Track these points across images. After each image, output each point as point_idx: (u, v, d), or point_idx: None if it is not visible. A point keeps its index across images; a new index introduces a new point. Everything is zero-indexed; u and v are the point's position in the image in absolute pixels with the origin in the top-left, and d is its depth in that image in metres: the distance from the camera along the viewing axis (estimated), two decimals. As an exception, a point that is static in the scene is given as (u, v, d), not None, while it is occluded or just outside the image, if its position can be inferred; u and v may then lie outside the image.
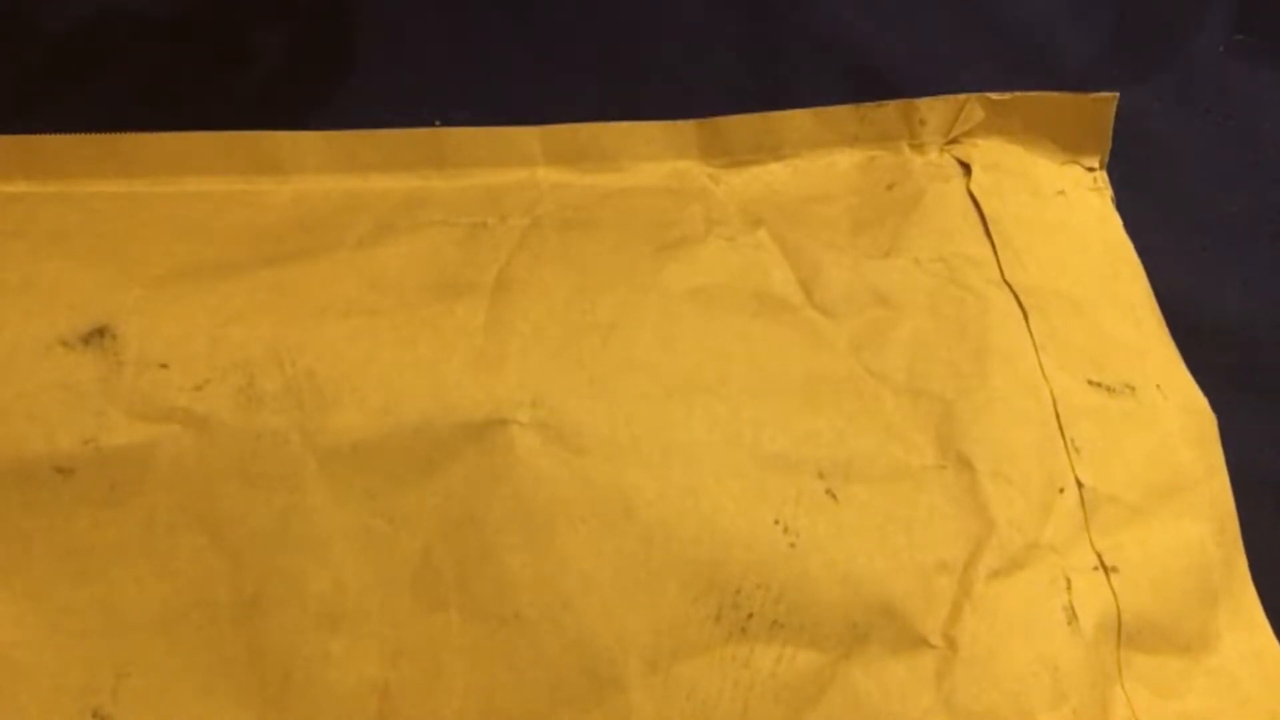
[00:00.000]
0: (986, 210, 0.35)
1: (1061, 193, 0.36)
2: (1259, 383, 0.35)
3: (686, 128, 0.35)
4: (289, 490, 0.27)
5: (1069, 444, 0.30)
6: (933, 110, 0.36)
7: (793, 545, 0.27)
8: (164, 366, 0.28)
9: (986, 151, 0.36)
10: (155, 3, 0.39)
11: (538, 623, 0.26)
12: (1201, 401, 0.32)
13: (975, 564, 0.28)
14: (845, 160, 0.36)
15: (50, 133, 0.32)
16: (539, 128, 0.35)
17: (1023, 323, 0.32)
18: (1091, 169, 0.37)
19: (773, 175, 0.36)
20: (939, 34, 0.41)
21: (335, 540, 0.27)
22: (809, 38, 0.41)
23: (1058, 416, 0.30)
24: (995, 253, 0.34)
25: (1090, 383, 0.31)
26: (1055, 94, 0.36)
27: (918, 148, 0.36)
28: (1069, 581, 0.28)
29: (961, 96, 0.36)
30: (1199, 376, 0.33)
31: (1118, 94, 0.36)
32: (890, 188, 0.35)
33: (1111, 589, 0.28)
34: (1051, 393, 0.31)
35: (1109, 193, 0.37)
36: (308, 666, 0.26)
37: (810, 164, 0.36)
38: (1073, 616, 0.27)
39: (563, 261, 0.32)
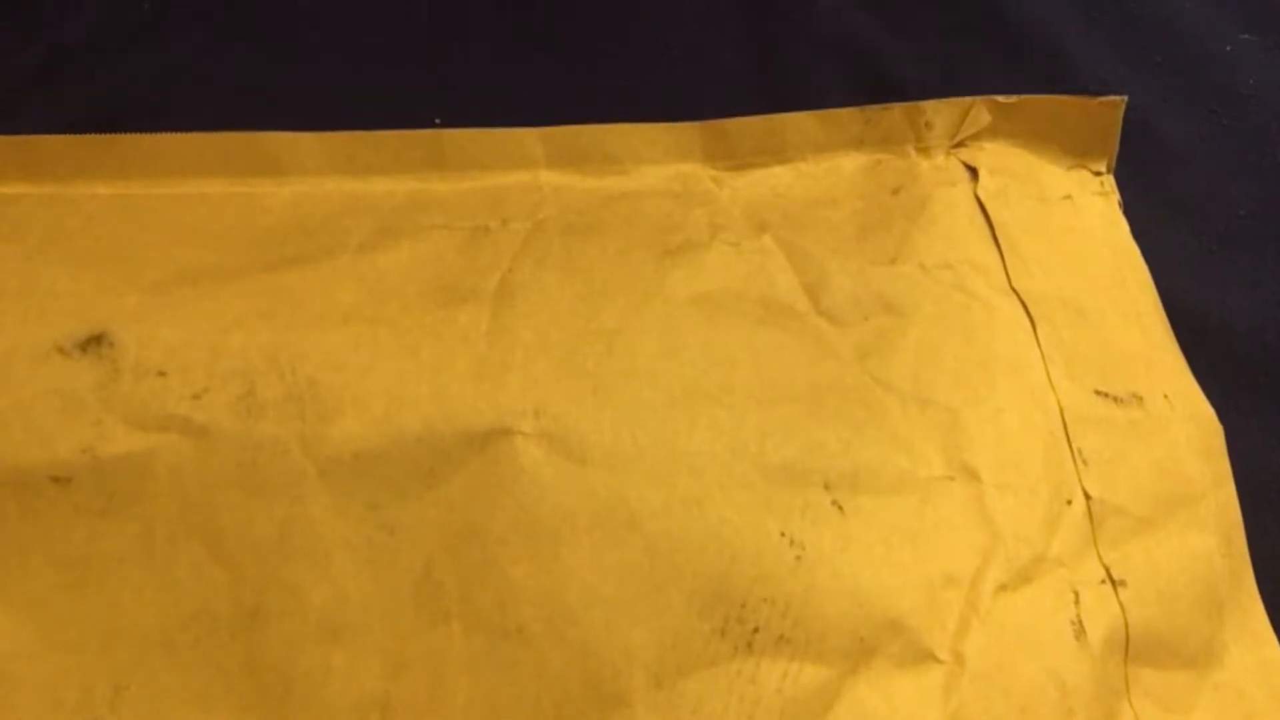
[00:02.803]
0: (993, 216, 0.34)
1: (1068, 197, 0.36)
2: (1266, 386, 0.34)
3: (690, 130, 0.35)
4: (289, 501, 0.27)
5: (1076, 455, 0.30)
6: (939, 113, 0.36)
7: (799, 558, 0.27)
8: (162, 374, 0.27)
9: (993, 155, 0.36)
10: (158, 3, 0.38)
11: (541, 636, 0.26)
12: (1208, 411, 0.32)
13: (982, 577, 0.27)
14: (850, 163, 0.36)
15: (47, 133, 0.32)
16: (541, 129, 0.34)
17: (1030, 331, 0.32)
18: (1098, 173, 0.37)
19: (777, 178, 0.35)
20: (944, 36, 0.41)
21: (336, 551, 0.26)
22: (813, 39, 0.40)
23: (1065, 427, 0.30)
24: (1002, 259, 0.33)
25: (1097, 393, 0.31)
26: (1063, 97, 0.36)
27: (924, 151, 0.36)
28: (1077, 595, 0.28)
29: (968, 99, 0.36)
30: (1205, 381, 0.33)
31: (1126, 98, 0.36)
32: (896, 192, 0.35)
33: (1119, 603, 0.28)
34: (1059, 403, 0.31)
35: (1116, 197, 0.36)
36: (308, 679, 0.26)
37: (815, 167, 0.36)
38: (1080, 631, 0.27)
39: (566, 267, 0.31)
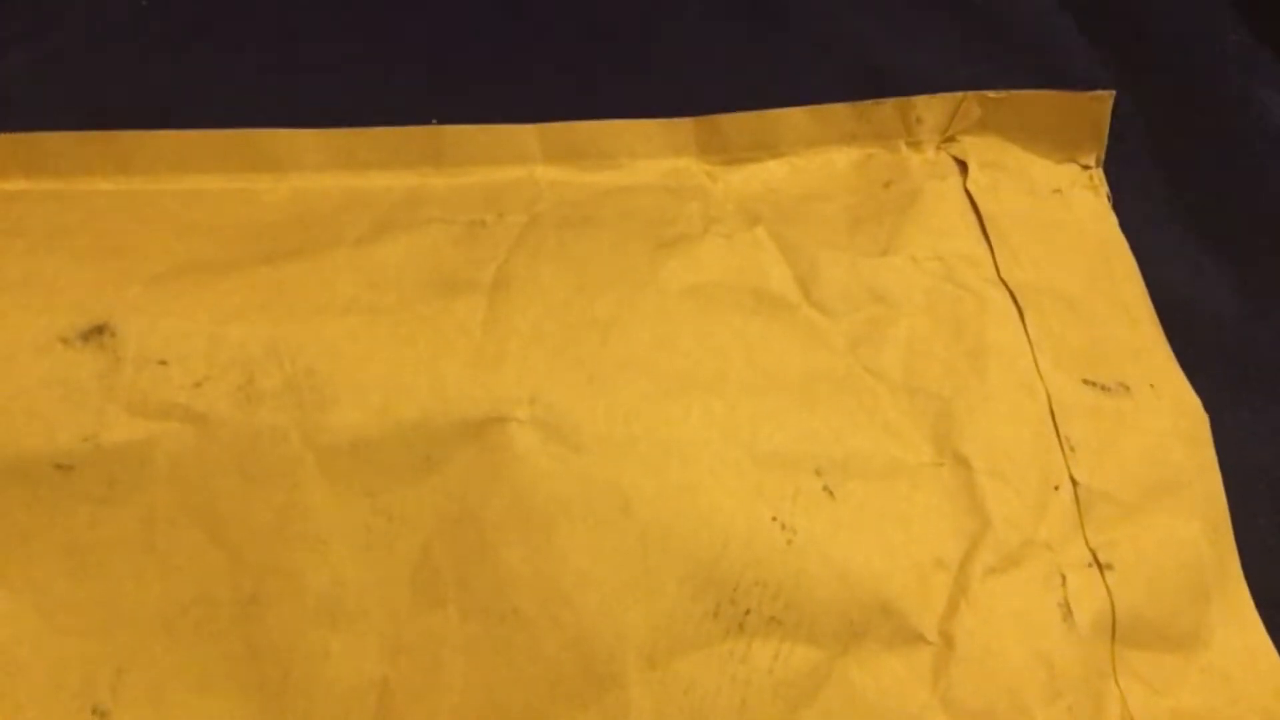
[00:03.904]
0: (983, 208, 0.35)
1: (1058, 191, 0.36)
2: (1252, 381, 0.35)
3: (684, 125, 0.35)
4: (288, 488, 0.27)
5: (1064, 442, 0.30)
6: (930, 108, 0.36)
7: (790, 542, 0.27)
8: (163, 364, 0.28)
9: (983, 149, 0.36)
10: (155, 2, 0.39)
11: (536, 619, 0.26)
12: (1194, 401, 0.32)
13: (971, 561, 0.28)
14: (843, 158, 0.36)
15: (49, 130, 0.32)
16: (537, 125, 0.35)
17: (1019, 321, 0.32)
18: (1088, 167, 0.37)
19: (770, 173, 0.36)
20: (936, 32, 0.42)
21: (334, 538, 0.27)
22: (806, 35, 0.41)
23: (1053, 415, 0.31)
24: (992, 251, 0.34)
25: (1085, 381, 0.31)
26: (1052, 92, 0.36)
27: (915, 146, 0.36)
28: (1064, 578, 0.28)
29: (958, 95, 0.36)
30: (1192, 375, 0.33)
31: (1114, 92, 0.36)
32: (887, 186, 0.35)
33: (1106, 586, 0.28)
34: (1047, 391, 0.31)
35: (1105, 191, 0.37)
36: (307, 663, 0.26)
37: (808, 162, 0.36)
38: (1068, 613, 0.28)
39: (561, 259, 0.32)
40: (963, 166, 0.36)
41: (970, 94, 0.36)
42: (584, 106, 0.36)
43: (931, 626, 0.27)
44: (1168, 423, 0.31)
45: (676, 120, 0.35)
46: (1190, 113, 0.40)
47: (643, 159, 0.35)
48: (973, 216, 0.35)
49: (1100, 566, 0.28)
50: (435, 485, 0.27)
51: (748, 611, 0.27)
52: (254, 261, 0.31)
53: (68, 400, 0.27)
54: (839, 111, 0.36)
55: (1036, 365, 0.31)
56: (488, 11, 0.40)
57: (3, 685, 0.25)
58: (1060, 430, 0.30)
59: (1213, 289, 0.36)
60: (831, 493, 0.28)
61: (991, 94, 0.36)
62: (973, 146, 0.36)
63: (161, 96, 0.37)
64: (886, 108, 0.36)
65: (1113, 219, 0.36)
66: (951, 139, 0.37)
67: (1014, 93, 0.36)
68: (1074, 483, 0.30)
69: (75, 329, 0.28)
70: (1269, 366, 0.35)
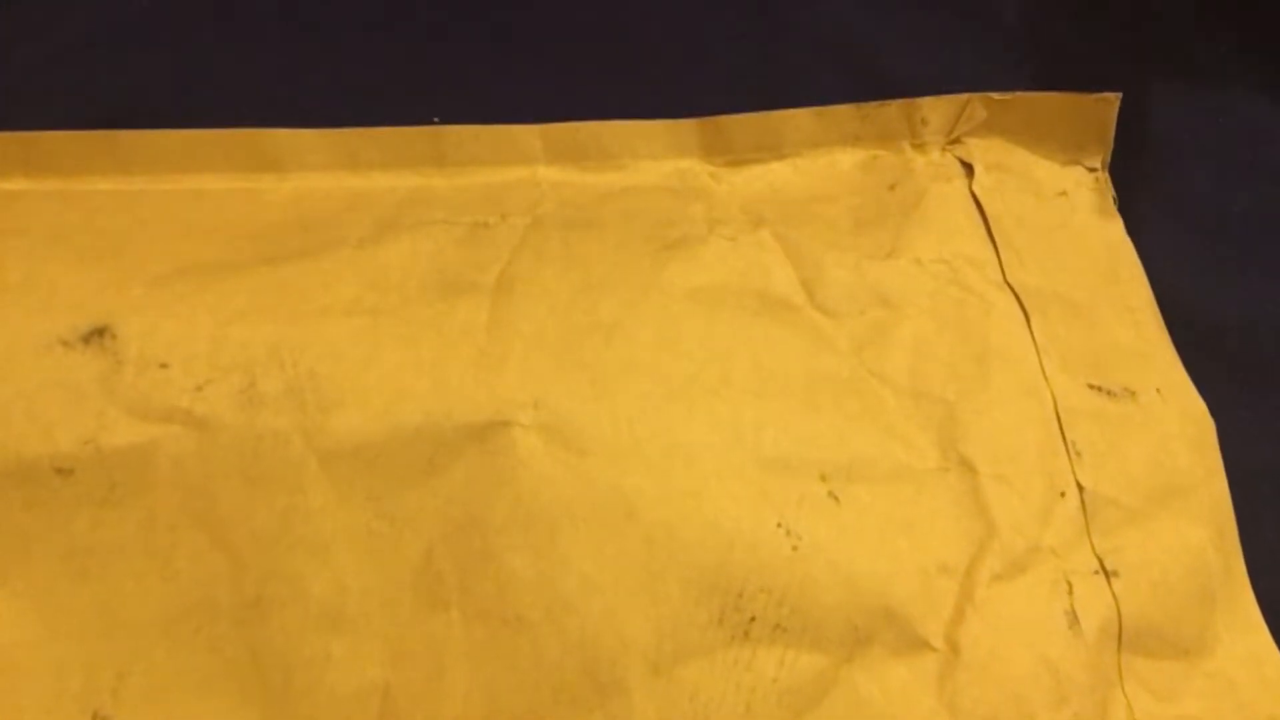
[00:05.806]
0: (988, 211, 0.35)
1: (1063, 193, 0.36)
2: (1259, 383, 0.35)
3: (688, 127, 0.35)
4: (290, 491, 0.27)
5: (1070, 447, 0.30)
6: (935, 110, 0.36)
7: (795, 548, 0.27)
8: (164, 366, 0.28)
9: (988, 151, 0.36)
10: (157, 1, 0.39)
11: (539, 624, 0.26)
12: (1200, 406, 0.32)
13: (977, 567, 0.28)
14: (847, 160, 0.36)
15: (50, 130, 0.32)
16: (540, 126, 0.35)
17: (1024, 325, 0.32)
18: (1093, 169, 0.37)
19: (774, 174, 0.36)
20: (941, 33, 0.41)
21: (337, 541, 0.27)
22: (811, 36, 0.41)
23: (1059, 419, 0.30)
24: (997, 254, 0.34)
25: (1090, 386, 0.31)
26: (1058, 94, 0.36)
27: (919, 147, 0.36)
28: (1070, 585, 0.28)
29: (963, 96, 0.36)
30: (1199, 377, 0.33)
31: (1120, 94, 0.36)
32: (892, 188, 0.35)
33: (1112, 592, 0.28)
34: (1053, 395, 0.31)
35: (1111, 193, 0.37)
36: (309, 668, 0.26)
37: (812, 163, 0.36)
38: (1074, 620, 0.27)
39: (564, 261, 0.32)
40: (968, 168, 0.36)
41: (975, 95, 0.36)
42: (587, 107, 0.35)
43: (937, 633, 0.27)
44: (1173, 427, 0.31)
45: (680, 121, 0.35)
46: (1196, 114, 0.40)
47: (646, 160, 0.35)
48: (978, 219, 0.35)
49: (1106, 573, 0.28)
50: (438, 489, 0.27)
51: (752, 618, 0.26)
52: (256, 262, 0.30)
53: (68, 403, 0.27)
54: (843, 113, 0.36)
55: (1042, 369, 0.31)
56: (488, 11, 0.40)
57: (4, 689, 0.25)
58: (1066, 435, 0.30)
59: (1218, 292, 0.36)
60: (836, 498, 0.28)
61: (997, 96, 0.36)
62: (978, 148, 0.36)
63: (162, 96, 0.36)
64: (891, 109, 0.36)
65: (1118, 221, 0.36)
66: (956, 140, 0.36)
67: (1019, 94, 0.36)
68: (1080, 488, 0.29)
69: (76, 330, 0.28)
70: (1275, 371, 0.35)
